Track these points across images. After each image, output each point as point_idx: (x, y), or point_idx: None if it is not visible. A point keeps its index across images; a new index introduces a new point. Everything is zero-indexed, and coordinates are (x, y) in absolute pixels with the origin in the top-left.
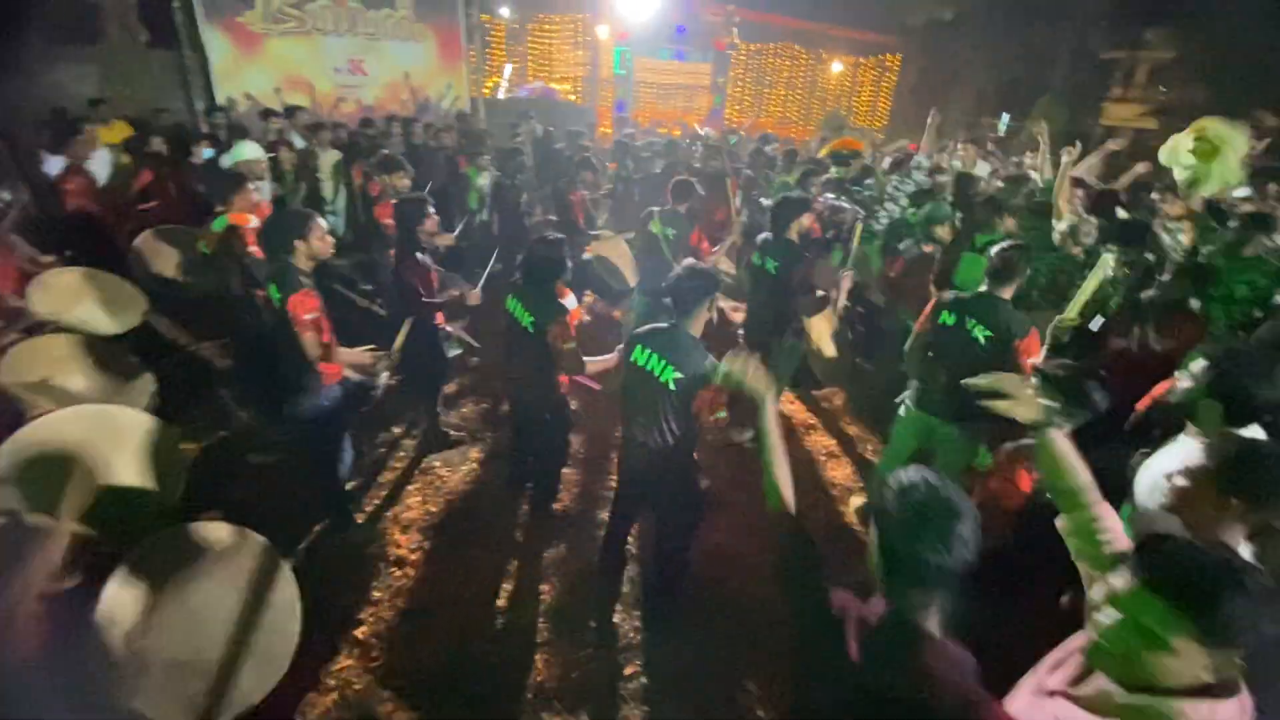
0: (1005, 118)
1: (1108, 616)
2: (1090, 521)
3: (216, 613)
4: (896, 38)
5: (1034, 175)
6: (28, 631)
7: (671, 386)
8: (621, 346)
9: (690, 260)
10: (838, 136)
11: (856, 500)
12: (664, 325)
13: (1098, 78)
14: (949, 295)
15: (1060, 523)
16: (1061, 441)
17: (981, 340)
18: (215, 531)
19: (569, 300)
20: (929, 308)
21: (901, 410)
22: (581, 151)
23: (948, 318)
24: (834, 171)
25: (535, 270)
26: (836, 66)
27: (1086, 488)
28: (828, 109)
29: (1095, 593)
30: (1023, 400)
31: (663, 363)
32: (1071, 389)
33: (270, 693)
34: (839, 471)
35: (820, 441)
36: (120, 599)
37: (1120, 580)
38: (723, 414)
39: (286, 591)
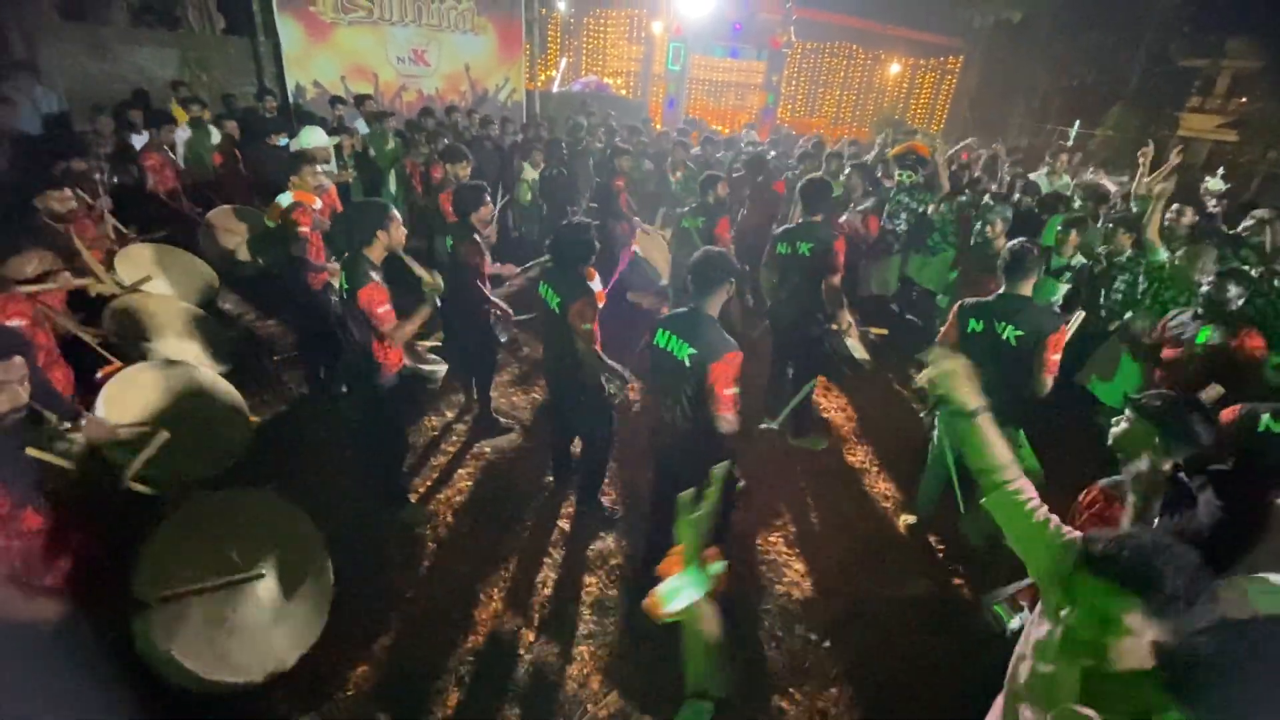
0: (1076, 125)
1: (1070, 612)
2: (1014, 495)
3: (255, 567)
4: (960, 39)
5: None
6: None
7: (687, 364)
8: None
9: (707, 246)
10: (907, 140)
11: (908, 518)
12: (683, 309)
13: (1174, 86)
14: (970, 301)
15: (985, 502)
16: (988, 426)
17: (1013, 341)
18: (262, 497)
19: (595, 283)
20: (952, 316)
21: (938, 420)
22: (629, 142)
23: (975, 325)
24: (900, 176)
25: (563, 252)
26: (895, 68)
27: (1008, 465)
28: (883, 110)
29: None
30: (966, 386)
31: (680, 341)
32: (1171, 422)
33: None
34: (890, 483)
35: (870, 451)
36: (166, 546)
37: (1076, 576)
38: (733, 389)
39: (321, 562)
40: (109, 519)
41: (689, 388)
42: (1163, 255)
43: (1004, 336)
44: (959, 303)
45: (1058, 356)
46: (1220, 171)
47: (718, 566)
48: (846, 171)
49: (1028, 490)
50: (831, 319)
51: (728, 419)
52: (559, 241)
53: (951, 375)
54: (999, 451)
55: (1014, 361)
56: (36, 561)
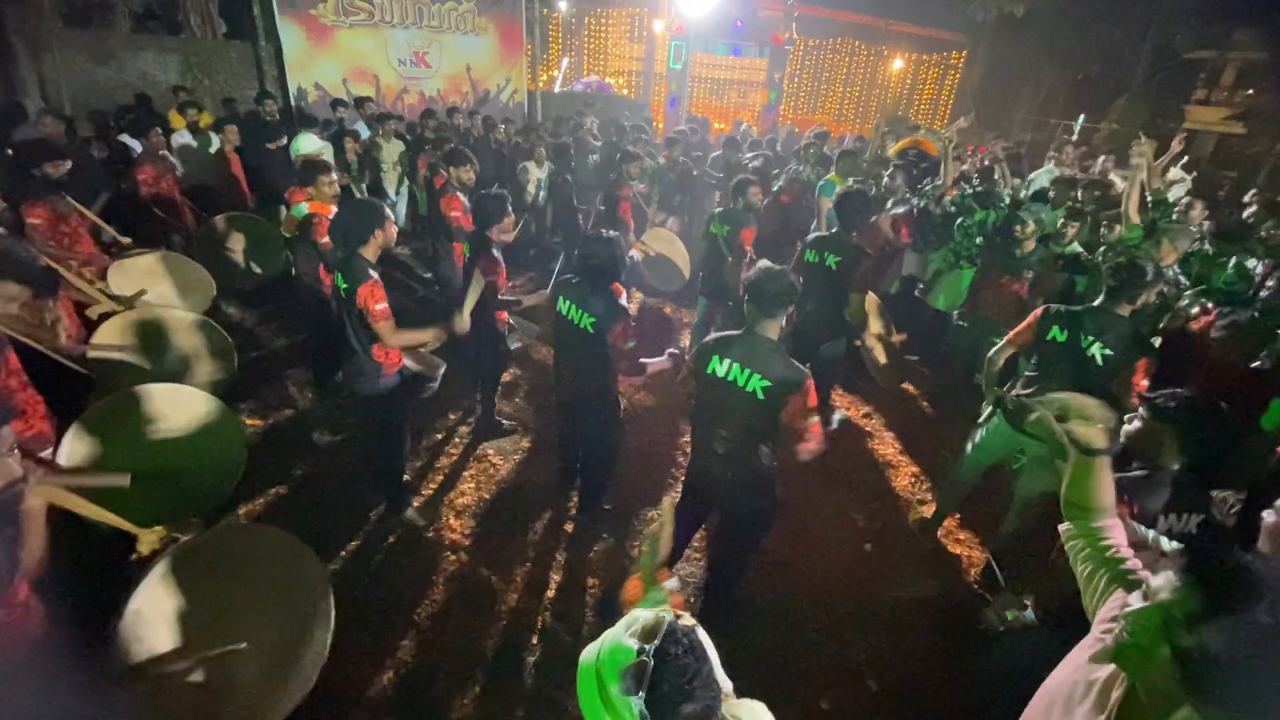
0: (1080, 119)
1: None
2: (1099, 533)
3: (247, 621)
4: (962, 34)
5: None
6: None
7: (760, 396)
8: (672, 351)
9: (767, 263)
10: (909, 135)
11: (916, 515)
12: (736, 333)
13: (1180, 78)
14: (1056, 307)
15: (1065, 527)
16: (1106, 468)
17: (1099, 359)
18: (256, 533)
19: (624, 299)
20: (1032, 319)
21: (994, 420)
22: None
23: (1058, 333)
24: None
25: (592, 270)
26: (898, 63)
27: (1108, 509)
28: (886, 107)
29: (1131, 598)
30: (1098, 426)
31: (747, 372)
32: (1187, 423)
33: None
34: (898, 482)
35: (879, 450)
36: (151, 604)
37: (1162, 580)
38: (816, 417)
39: (322, 601)
40: (87, 569)
41: (761, 420)
42: (1139, 234)
43: (1089, 352)
44: (1044, 306)
45: (1147, 383)
46: (1184, 159)
47: (673, 584)
48: (889, 171)
49: (1115, 535)
50: (856, 334)
51: (811, 450)
52: (587, 257)
53: (1084, 410)
54: (1106, 495)
55: (1095, 379)
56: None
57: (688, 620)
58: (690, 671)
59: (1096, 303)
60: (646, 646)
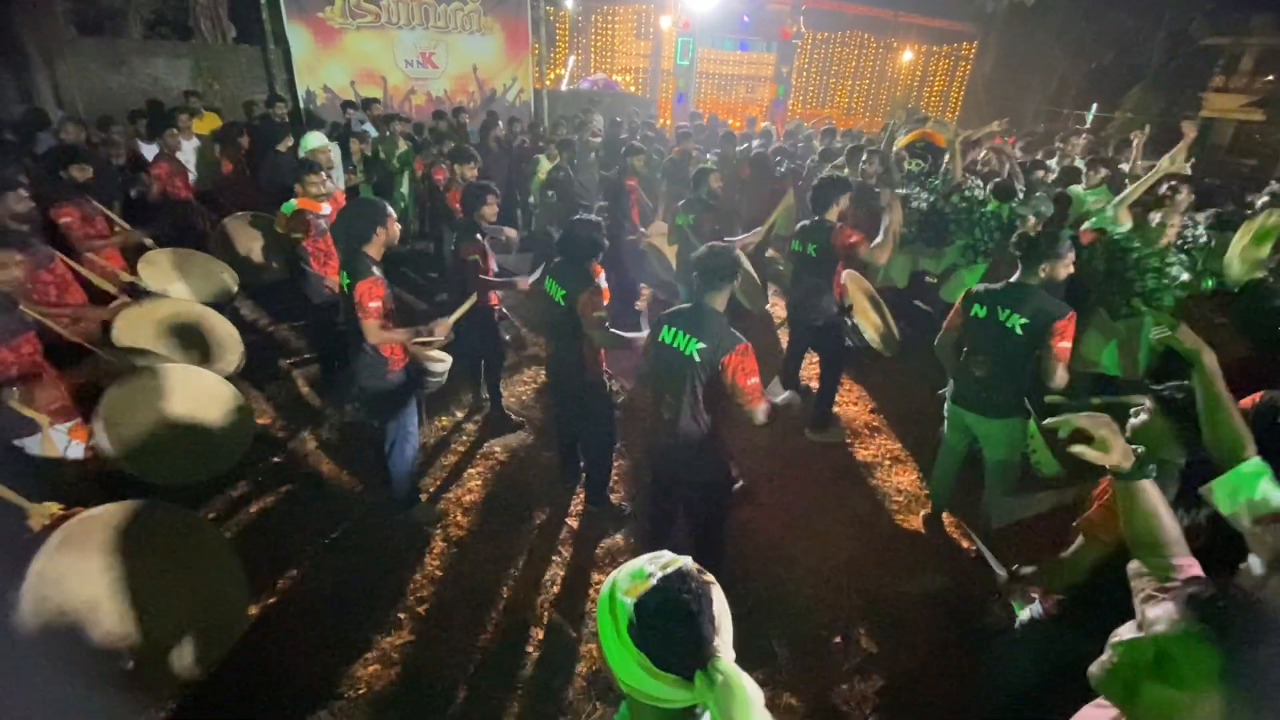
0: (1093, 108)
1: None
2: (1168, 570)
3: (155, 587)
4: (973, 24)
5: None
6: None
7: (696, 358)
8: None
9: (713, 241)
10: (918, 128)
11: (924, 511)
12: (688, 305)
13: (1196, 66)
14: (979, 288)
15: (1134, 567)
16: (1151, 492)
17: (1018, 330)
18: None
19: (601, 279)
20: (958, 302)
21: (945, 408)
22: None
23: (979, 310)
24: (910, 165)
25: (571, 247)
26: (907, 55)
27: (1175, 542)
28: (896, 99)
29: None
30: (1114, 447)
31: (686, 337)
32: (1194, 416)
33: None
34: (904, 477)
35: (885, 445)
36: (52, 568)
37: (1160, 612)
38: (754, 379)
39: (227, 561)
40: None
41: (698, 383)
42: (1125, 227)
43: (1008, 325)
44: (967, 289)
45: (1067, 344)
46: (1142, 140)
47: None
48: (864, 157)
49: (1188, 570)
50: (846, 311)
51: (759, 410)
52: (568, 237)
53: (1110, 440)
54: (1169, 527)
55: (1019, 351)
56: None
57: (709, 576)
58: (685, 605)
59: (1013, 279)
60: (659, 571)
